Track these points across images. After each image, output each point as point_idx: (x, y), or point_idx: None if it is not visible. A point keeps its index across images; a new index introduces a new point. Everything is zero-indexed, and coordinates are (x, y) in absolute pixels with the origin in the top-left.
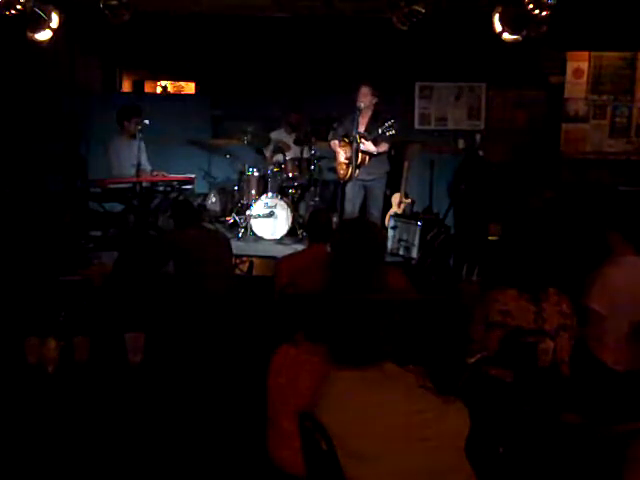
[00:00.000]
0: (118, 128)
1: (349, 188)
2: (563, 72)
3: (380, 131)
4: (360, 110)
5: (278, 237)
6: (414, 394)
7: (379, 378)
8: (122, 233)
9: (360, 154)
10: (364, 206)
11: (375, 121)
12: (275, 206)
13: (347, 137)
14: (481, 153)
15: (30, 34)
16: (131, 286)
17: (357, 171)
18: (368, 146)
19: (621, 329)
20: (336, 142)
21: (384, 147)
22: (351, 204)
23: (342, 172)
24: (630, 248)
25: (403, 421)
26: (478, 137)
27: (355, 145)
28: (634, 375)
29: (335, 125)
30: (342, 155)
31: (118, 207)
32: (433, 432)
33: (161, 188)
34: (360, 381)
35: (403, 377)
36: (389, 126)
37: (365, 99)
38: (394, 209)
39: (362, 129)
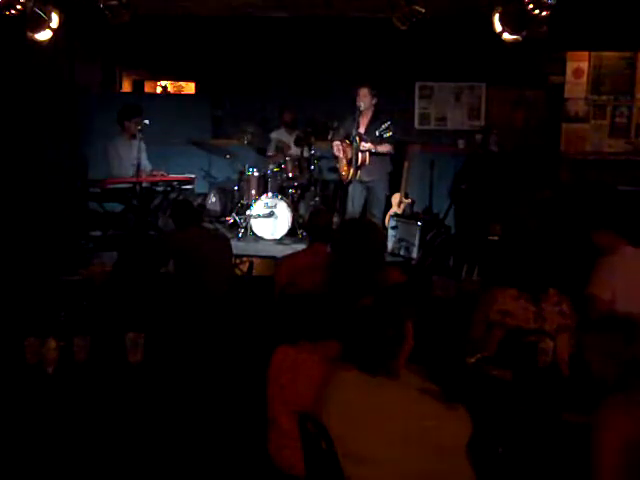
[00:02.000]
0: (119, 128)
1: (351, 188)
2: (563, 72)
3: (377, 133)
4: (360, 111)
5: (278, 237)
6: (417, 399)
7: (384, 381)
8: (122, 233)
9: (360, 155)
10: (365, 206)
11: (375, 122)
12: (275, 206)
13: (348, 138)
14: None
15: (30, 34)
16: (131, 286)
17: (358, 172)
18: (368, 146)
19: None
20: (338, 143)
21: (386, 147)
22: (353, 204)
23: (344, 174)
24: (624, 241)
25: (404, 425)
26: (478, 137)
27: (355, 146)
28: None
29: (335, 125)
30: (345, 156)
31: (118, 207)
32: (434, 438)
33: (161, 188)
34: (364, 384)
35: (407, 381)
36: (385, 128)
37: (365, 100)
38: (394, 209)
39: (362, 130)
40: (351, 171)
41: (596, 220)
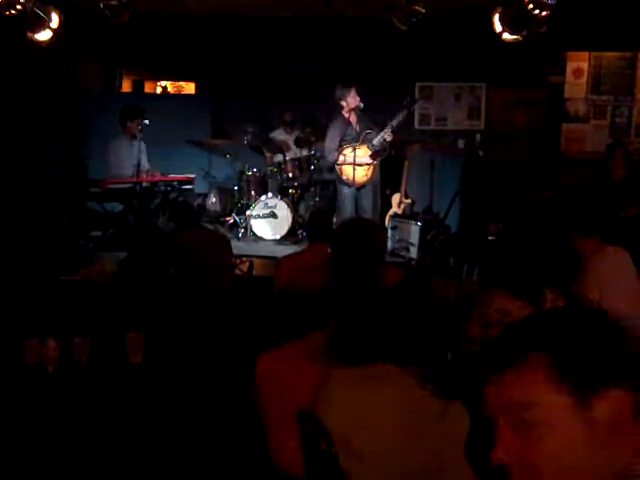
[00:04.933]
0: (120, 128)
1: (346, 188)
2: (563, 72)
3: (406, 111)
4: (354, 110)
5: (278, 237)
6: (414, 395)
7: (379, 378)
8: (122, 233)
9: (387, 145)
10: (357, 206)
11: (365, 117)
12: (275, 206)
13: (351, 141)
14: (481, 153)
15: (30, 34)
16: (136, 286)
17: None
18: (391, 137)
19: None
20: (342, 158)
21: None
22: (350, 204)
23: (367, 172)
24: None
25: (403, 421)
26: (478, 137)
27: (379, 138)
28: None
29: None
30: (365, 157)
31: (118, 207)
32: (433, 433)
33: (161, 188)
34: (360, 380)
35: (403, 378)
36: (411, 101)
37: (356, 100)
38: (394, 209)
39: (357, 128)
40: (372, 169)
41: (579, 228)
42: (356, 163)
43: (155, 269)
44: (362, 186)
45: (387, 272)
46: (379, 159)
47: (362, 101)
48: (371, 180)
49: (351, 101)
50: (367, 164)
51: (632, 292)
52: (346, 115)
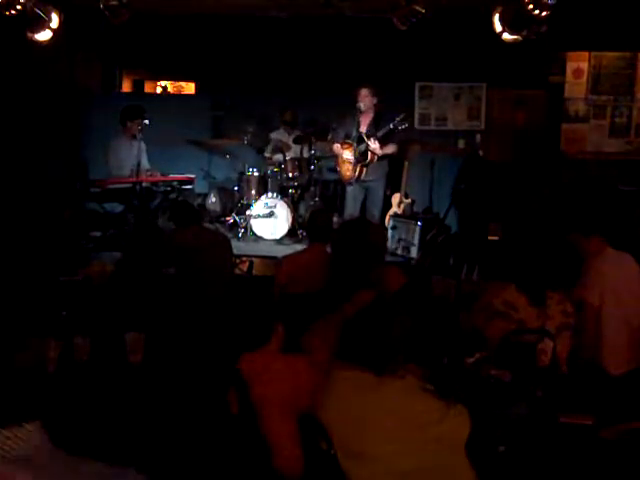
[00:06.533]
0: (120, 128)
1: (350, 189)
2: (563, 72)
3: (392, 125)
4: (361, 111)
5: (278, 237)
6: (415, 396)
7: (383, 379)
8: (122, 233)
9: (369, 153)
10: (364, 206)
11: (377, 122)
12: (275, 206)
13: (349, 138)
14: (481, 153)
15: (30, 34)
16: (133, 286)
17: (365, 169)
18: (375, 146)
19: (615, 325)
20: (338, 146)
21: (391, 149)
22: (352, 204)
23: (348, 173)
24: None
25: (403, 422)
26: (478, 137)
27: (364, 144)
28: (632, 376)
29: (334, 125)
30: (348, 156)
31: (118, 207)
32: (433, 434)
33: (161, 188)
34: (362, 382)
35: (405, 379)
36: (401, 120)
37: (365, 100)
38: (394, 209)
39: (364, 130)
40: (357, 170)
41: (583, 226)
42: (336, 154)
43: (155, 269)
44: (350, 182)
45: (389, 272)
46: (360, 164)
47: (362, 101)
48: (356, 177)
49: (359, 100)
50: (351, 163)
51: (634, 294)
52: (358, 115)
